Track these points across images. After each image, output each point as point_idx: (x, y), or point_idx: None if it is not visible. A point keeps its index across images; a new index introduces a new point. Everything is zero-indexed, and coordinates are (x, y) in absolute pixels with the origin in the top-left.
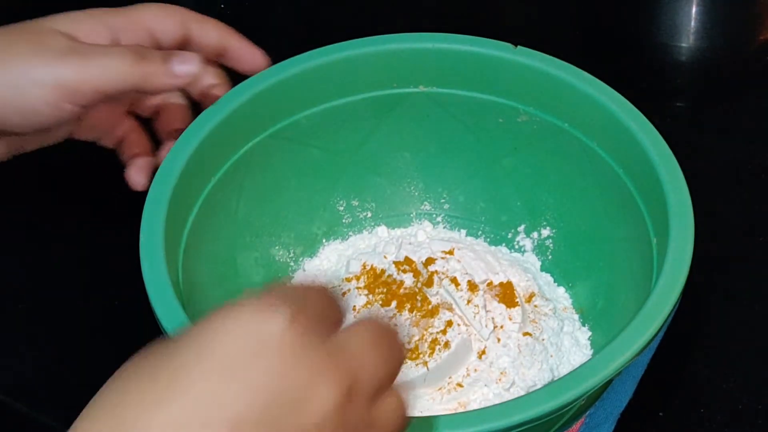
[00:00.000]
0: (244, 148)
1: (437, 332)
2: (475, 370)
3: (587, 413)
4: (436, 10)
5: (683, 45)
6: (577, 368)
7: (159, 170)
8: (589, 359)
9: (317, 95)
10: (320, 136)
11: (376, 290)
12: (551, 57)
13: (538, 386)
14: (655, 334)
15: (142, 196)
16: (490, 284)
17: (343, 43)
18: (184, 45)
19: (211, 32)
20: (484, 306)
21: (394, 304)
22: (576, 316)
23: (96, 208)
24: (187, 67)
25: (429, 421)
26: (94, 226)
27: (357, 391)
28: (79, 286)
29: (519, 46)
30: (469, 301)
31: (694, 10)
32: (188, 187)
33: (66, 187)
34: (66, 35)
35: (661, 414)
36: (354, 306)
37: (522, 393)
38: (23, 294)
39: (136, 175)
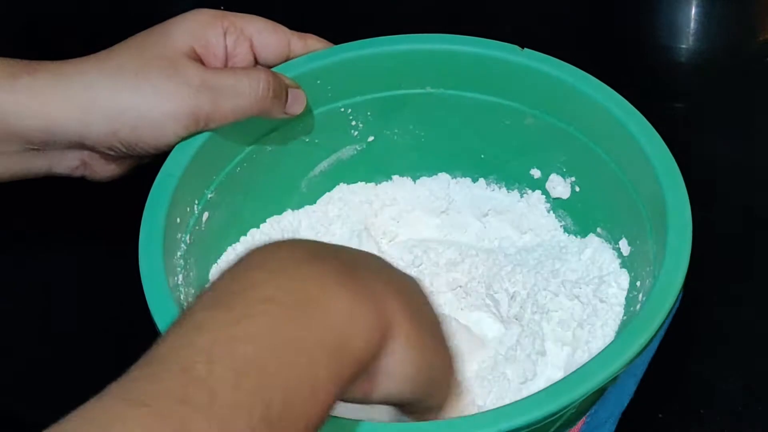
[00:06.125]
0: (248, 149)
1: None
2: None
3: (588, 413)
4: (436, 10)
5: (683, 46)
6: (576, 370)
7: (160, 172)
8: (589, 361)
9: (323, 96)
10: (326, 136)
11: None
12: (558, 60)
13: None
14: (654, 335)
15: (142, 196)
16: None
17: (350, 43)
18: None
19: (317, 45)
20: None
21: None
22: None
23: (96, 208)
24: (298, 108)
25: (428, 427)
26: (93, 226)
27: None
28: (78, 288)
29: (525, 49)
30: None
31: (693, 11)
32: (190, 189)
33: (65, 187)
34: (195, 63)
35: (660, 414)
36: None
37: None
38: (23, 294)
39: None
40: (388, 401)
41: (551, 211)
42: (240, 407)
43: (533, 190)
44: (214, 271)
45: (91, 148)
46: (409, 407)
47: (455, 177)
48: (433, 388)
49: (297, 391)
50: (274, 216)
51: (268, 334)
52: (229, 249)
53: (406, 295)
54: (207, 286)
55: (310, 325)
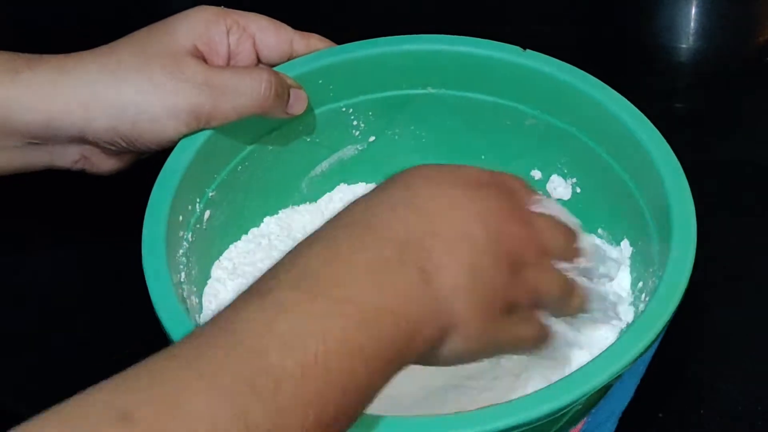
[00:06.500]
0: (249, 148)
1: None
2: None
3: (590, 411)
4: (436, 11)
5: (683, 46)
6: (577, 370)
7: (162, 170)
8: (590, 361)
9: (325, 96)
10: (328, 136)
11: None
12: (559, 60)
13: None
14: (658, 336)
15: (144, 192)
16: None
17: (352, 43)
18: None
19: (319, 45)
20: None
21: None
22: None
23: (97, 204)
24: (299, 108)
25: (426, 421)
26: (94, 227)
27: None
28: (79, 284)
29: (527, 50)
30: None
31: (693, 11)
32: (191, 188)
33: (65, 186)
34: (197, 60)
35: (660, 414)
36: None
37: None
38: (22, 290)
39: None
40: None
41: None
42: (298, 406)
43: None
44: (215, 270)
45: (92, 143)
46: None
47: None
48: (498, 350)
49: (350, 397)
50: (274, 215)
51: (341, 338)
52: (231, 247)
53: (475, 278)
54: (295, 253)
55: (378, 337)
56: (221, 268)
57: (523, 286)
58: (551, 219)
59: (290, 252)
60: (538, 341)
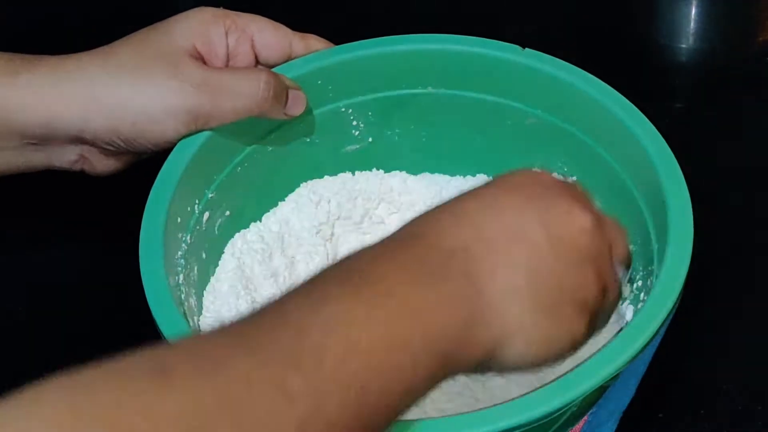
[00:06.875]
0: (248, 149)
1: None
2: None
3: (590, 411)
4: (437, 11)
5: (683, 46)
6: (574, 369)
7: (160, 172)
8: (588, 360)
9: (324, 96)
10: (327, 136)
11: None
12: (559, 60)
13: None
14: (655, 334)
15: (143, 193)
16: None
17: (351, 43)
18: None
19: (318, 45)
20: None
21: None
22: None
23: (96, 205)
24: (298, 109)
25: (423, 424)
26: (93, 227)
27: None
28: (78, 285)
29: (527, 49)
30: None
31: (693, 11)
32: (190, 189)
33: (65, 187)
34: (196, 61)
35: (660, 414)
36: None
37: None
38: (22, 291)
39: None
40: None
41: None
42: (339, 382)
43: None
44: (215, 269)
45: (91, 143)
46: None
47: (456, 177)
48: (560, 354)
49: (394, 386)
50: (274, 216)
51: (384, 327)
52: (231, 248)
53: (530, 283)
54: (343, 259)
55: (424, 331)
56: (221, 269)
57: (595, 284)
58: (616, 222)
59: (340, 259)
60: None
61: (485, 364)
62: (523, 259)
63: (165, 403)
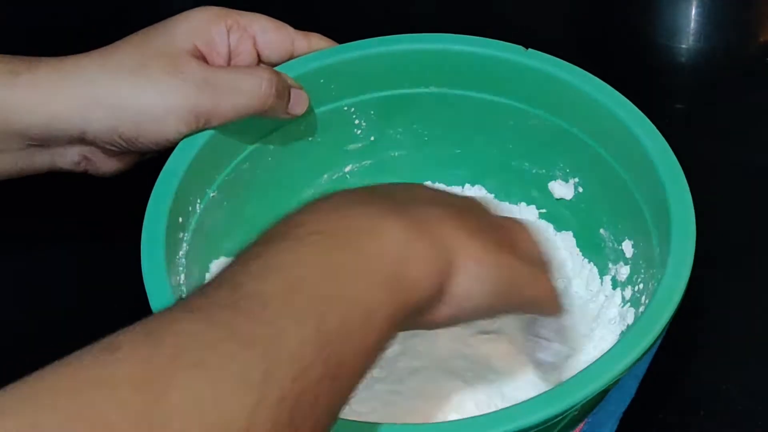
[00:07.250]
0: (250, 148)
1: None
2: None
3: (590, 413)
4: (439, 10)
5: (683, 46)
6: (576, 374)
7: (162, 171)
8: (593, 362)
9: (326, 95)
10: (329, 135)
11: None
12: (561, 60)
13: None
14: (658, 338)
15: (145, 193)
16: None
17: (353, 42)
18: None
19: (321, 44)
20: None
21: None
22: None
23: (98, 205)
24: (300, 108)
25: (423, 430)
26: (95, 227)
27: None
28: (79, 286)
29: (530, 49)
30: None
31: (693, 11)
32: (192, 188)
33: (66, 187)
34: (198, 60)
35: (660, 414)
36: None
37: None
38: (23, 292)
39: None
40: (467, 320)
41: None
42: (291, 317)
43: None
44: (215, 269)
45: (93, 144)
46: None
47: (457, 176)
48: (516, 299)
49: (352, 311)
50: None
51: (320, 260)
52: (232, 248)
53: (468, 216)
54: (262, 231)
55: (363, 253)
56: (222, 268)
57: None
58: (514, 221)
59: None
60: (550, 298)
61: (442, 300)
62: (454, 209)
63: (116, 370)
